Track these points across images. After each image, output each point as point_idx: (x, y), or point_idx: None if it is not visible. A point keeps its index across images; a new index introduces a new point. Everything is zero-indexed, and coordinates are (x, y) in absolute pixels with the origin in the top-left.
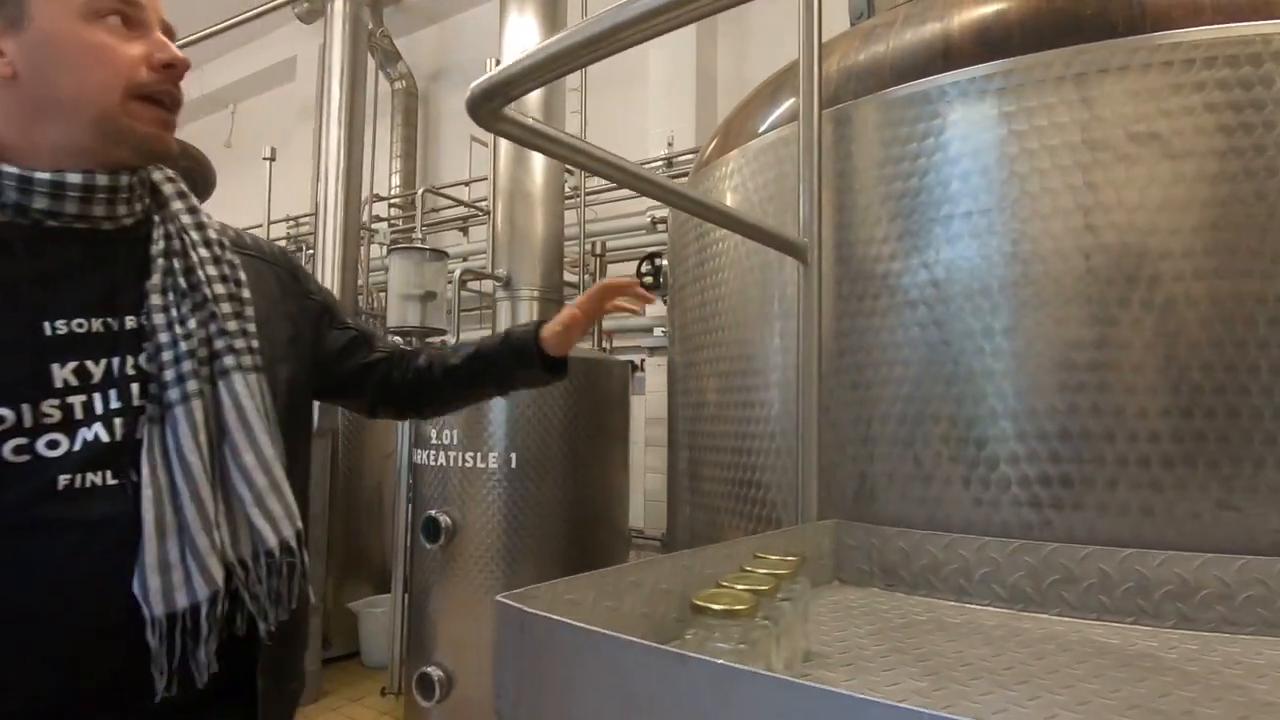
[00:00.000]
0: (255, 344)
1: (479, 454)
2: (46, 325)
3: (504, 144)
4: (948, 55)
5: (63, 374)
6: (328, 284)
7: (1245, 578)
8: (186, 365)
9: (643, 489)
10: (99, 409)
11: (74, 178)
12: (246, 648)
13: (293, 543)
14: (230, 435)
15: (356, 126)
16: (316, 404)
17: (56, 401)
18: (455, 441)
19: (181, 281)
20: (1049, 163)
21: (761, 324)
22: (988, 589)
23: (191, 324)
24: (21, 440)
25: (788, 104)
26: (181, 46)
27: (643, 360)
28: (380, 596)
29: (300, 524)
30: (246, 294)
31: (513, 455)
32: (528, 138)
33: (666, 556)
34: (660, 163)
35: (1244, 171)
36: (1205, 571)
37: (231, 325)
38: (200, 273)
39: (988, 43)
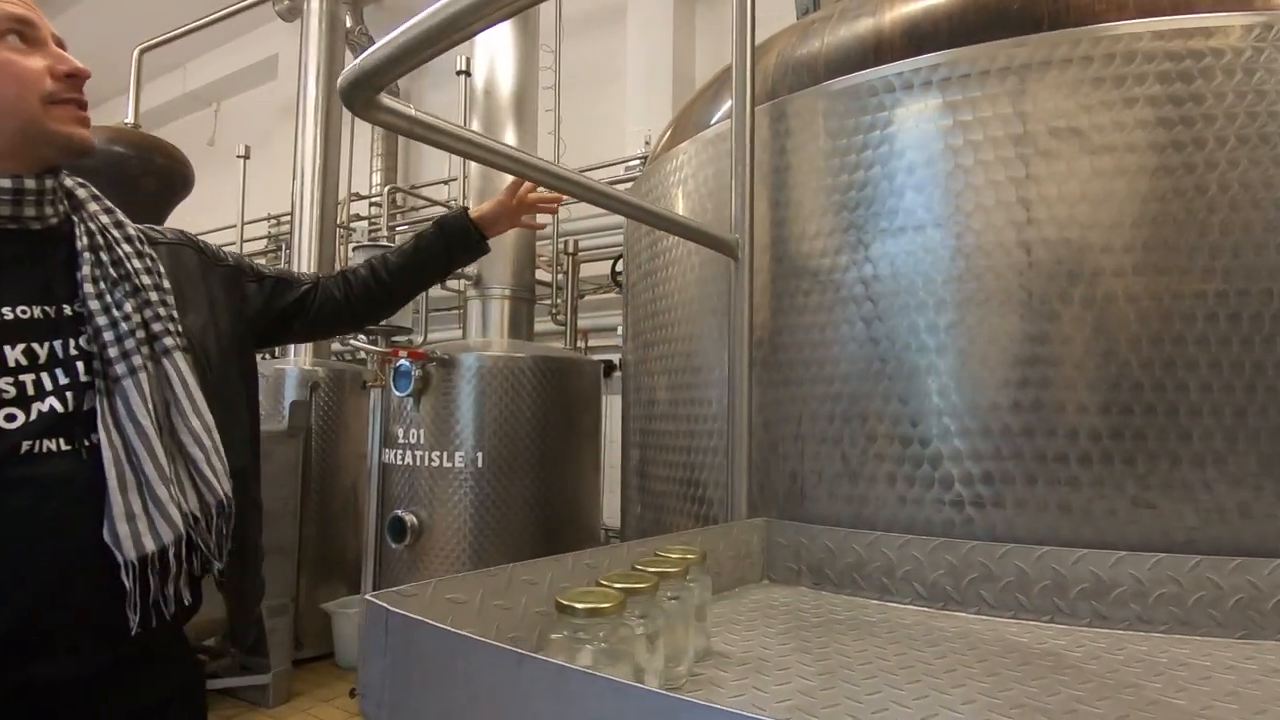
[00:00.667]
0: (180, 328)
1: (446, 453)
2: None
3: None
4: (879, 50)
5: (14, 355)
6: None
7: (1158, 575)
8: (129, 343)
9: (620, 488)
10: (49, 385)
11: (4, 182)
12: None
13: (231, 495)
14: (179, 404)
15: (333, 125)
16: (288, 400)
17: (11, 379)
18: (422, 441)
19: (112, 272)
20: (972, 159)
21: (704, 320)
22: (909, 587)
23: (128, 308)
24: None
25: (726, 105)
26: (163, 44)
27: (620, 359)
28: (354, 597)
29: (230, 483)
30: (167, 284)
31: (479, 455)
32: (409, 127)
33: (570, 554)
34: (637, 162)
35: (1162, 167)
36: (1120, 569)
37: (161, 311)
38: (128, 265)
39: (916, 37)
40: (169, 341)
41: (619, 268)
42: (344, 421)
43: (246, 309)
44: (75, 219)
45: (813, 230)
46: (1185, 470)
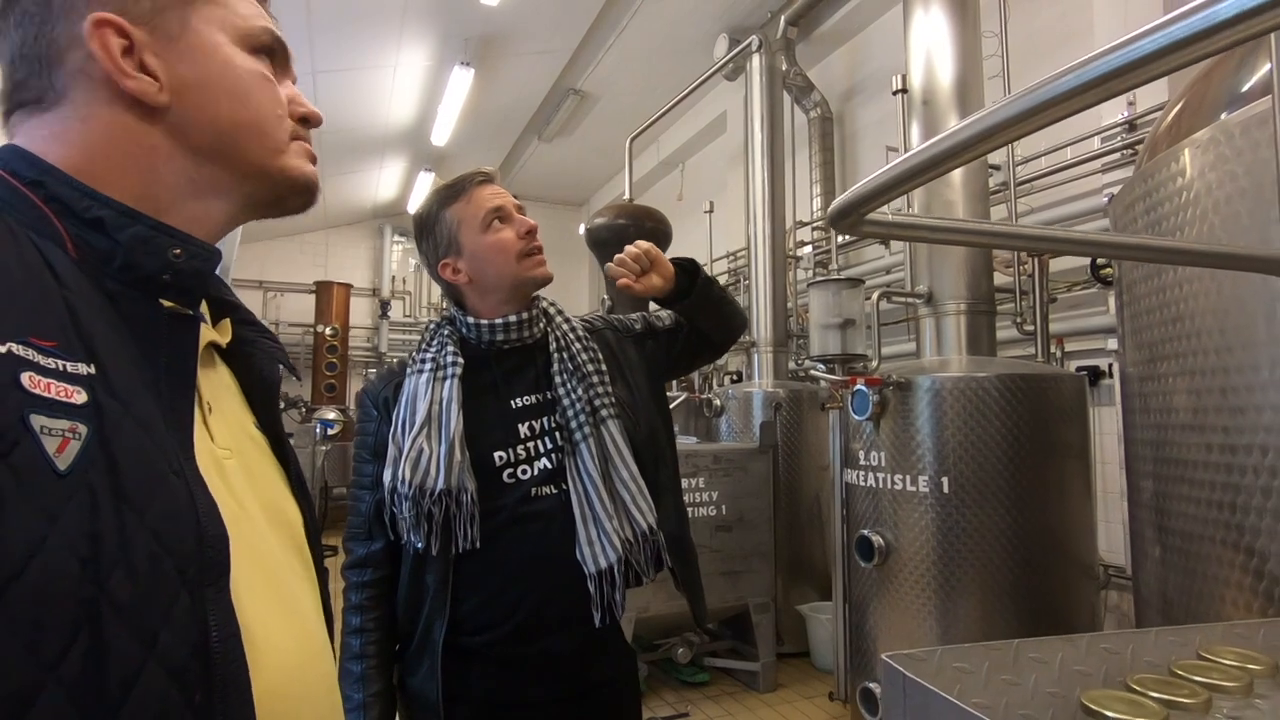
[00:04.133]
0: (613, 399)
1: (908, 477)
2: (512, 401)
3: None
4: None
5: (523, 429)
6: (760, 310)
7: None
8: (582, 417)
9: (1122, 519)
10: (542, 449)
11: (511, 319)
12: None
13: (655, 526)
14: (611, 460)
15: (777, 164)
16: (757, 419)
17: (523, 446)
18: (883, 463)
19: (570, 365)
20: None
21: (1240, 335)
22: None
23: (579, 392)
24: (510, 469)
25: (1264, 70)
26: (644, 131)
27: (1110, 365)
28: (824, 603)
29: (655, 516)
30: (604, 367)
31: (944, 479)
32: (892, 232)
33: (1085, 636)
34: (1118, 130)
35: None
36: None
37: (600, 389)
38: (579, 359)
39: None
40: (604, 413)
41: (1101, 260)
42: (804, 437)
43: (655, 363)
44: (551, 331)
45: None
46: None
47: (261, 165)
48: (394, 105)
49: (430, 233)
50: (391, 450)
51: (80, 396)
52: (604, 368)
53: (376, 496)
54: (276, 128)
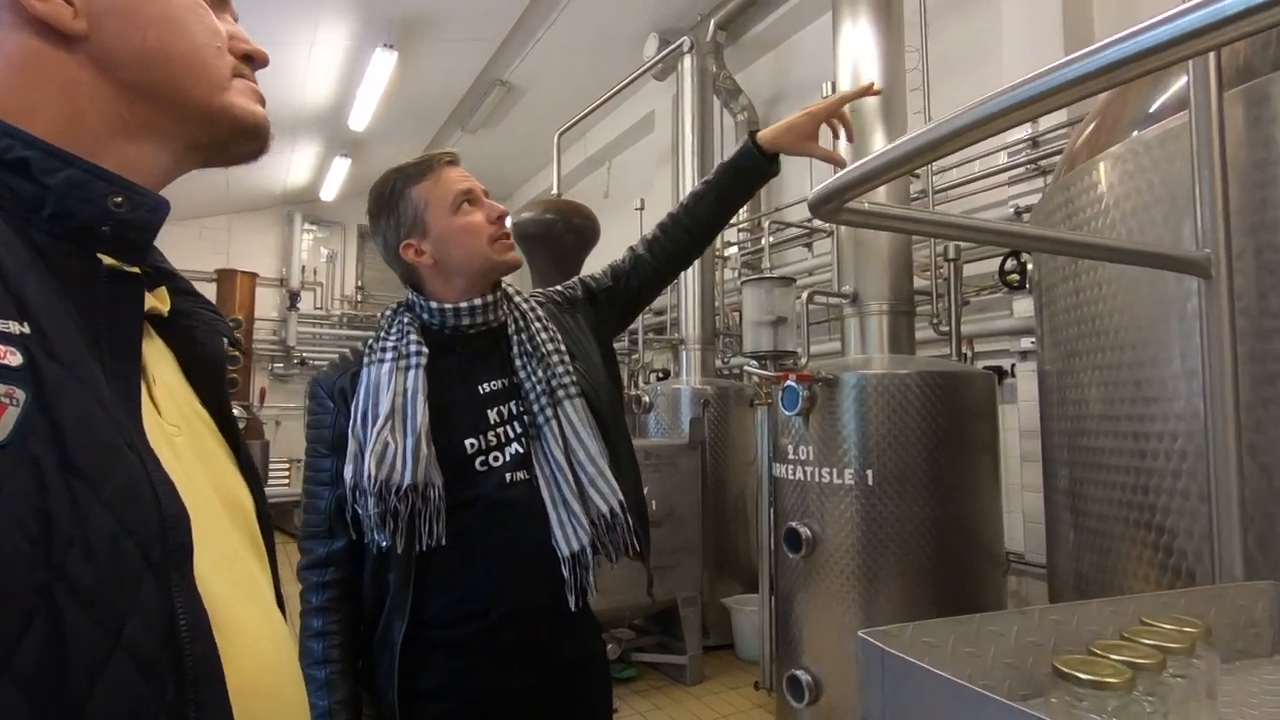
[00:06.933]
0: (574, 375)
1: (835, 470)
2: (480, 387)
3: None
4: None
5: (492, 415)
6: (689, 308)
7: None
8: (543, 400)
9: (1021, 509)
10: (512, 434)
11: (476, 302)
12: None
13: (618, 509)
14: (569, 442)
15: (707, 164)
16: (685, 416)
17: (493, 433)
18: (811, 457)
19: (529, 348)
20: None
21: (1154, 331)
22: None
23: (539, 374)
24: (483, 456)
25: (1178, 86)
26: (572, 126)
27: (1013, 366)
28: (749, 595)
29: (621, 497)
30: (564, 346)
31: (869, 472)
32: (869, 221)
33: (1036, 609)
34: (1023, 146)
35: None
36: None
37: (559, 369)
38: (538, 339)
39: None
40: (561, 394)
41: (1009, 266)
42: (730, 433)
43: (601, 325)
44: (510, 313)
45: None
46: None
47: (201, 103)
48: (309, 85)
49: (393, 210)
50: (352, 444)
51: (15, 358)
52: (563, 346)
53: (337, 492)
54: (215, 60)
